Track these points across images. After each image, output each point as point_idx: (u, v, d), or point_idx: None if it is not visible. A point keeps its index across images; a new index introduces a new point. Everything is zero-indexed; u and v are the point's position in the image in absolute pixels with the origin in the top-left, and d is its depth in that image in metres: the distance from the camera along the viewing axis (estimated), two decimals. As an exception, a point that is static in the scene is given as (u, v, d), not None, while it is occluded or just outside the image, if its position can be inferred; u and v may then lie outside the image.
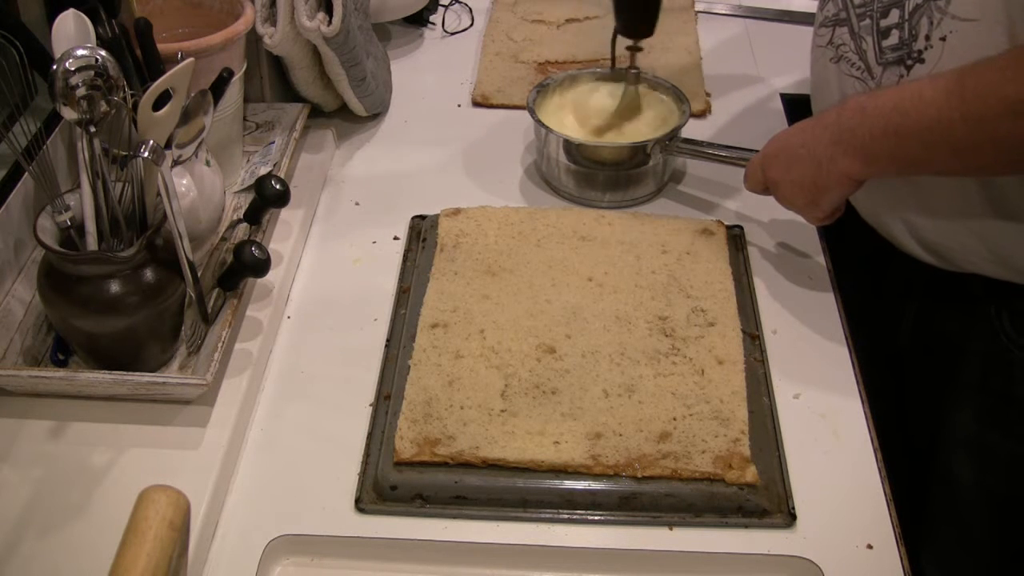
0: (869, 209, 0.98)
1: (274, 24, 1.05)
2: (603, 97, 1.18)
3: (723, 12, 1.49)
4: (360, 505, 0.79)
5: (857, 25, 0.91)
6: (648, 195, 1.12)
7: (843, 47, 0.93)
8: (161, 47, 0.94)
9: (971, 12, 0.80)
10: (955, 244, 0.91)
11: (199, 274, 0.88)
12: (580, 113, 1.16)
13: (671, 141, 1.08)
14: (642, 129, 1.14)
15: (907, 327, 1.04)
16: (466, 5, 1.51)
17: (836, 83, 0.95)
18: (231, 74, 0.95)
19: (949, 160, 0.80)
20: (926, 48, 0.84)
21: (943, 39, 0.82)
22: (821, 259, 1.03)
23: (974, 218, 0.88)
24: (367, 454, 0.83)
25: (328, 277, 1.02)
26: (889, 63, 0.88)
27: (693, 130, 1.10)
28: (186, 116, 0.85)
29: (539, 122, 1.10)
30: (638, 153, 1.08)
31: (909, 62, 0.86)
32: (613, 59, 1.17)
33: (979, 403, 0.96)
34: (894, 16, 0.87)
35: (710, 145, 1.09)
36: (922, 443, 1.03)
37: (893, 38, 0.87)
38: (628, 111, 1.16)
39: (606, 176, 1.10)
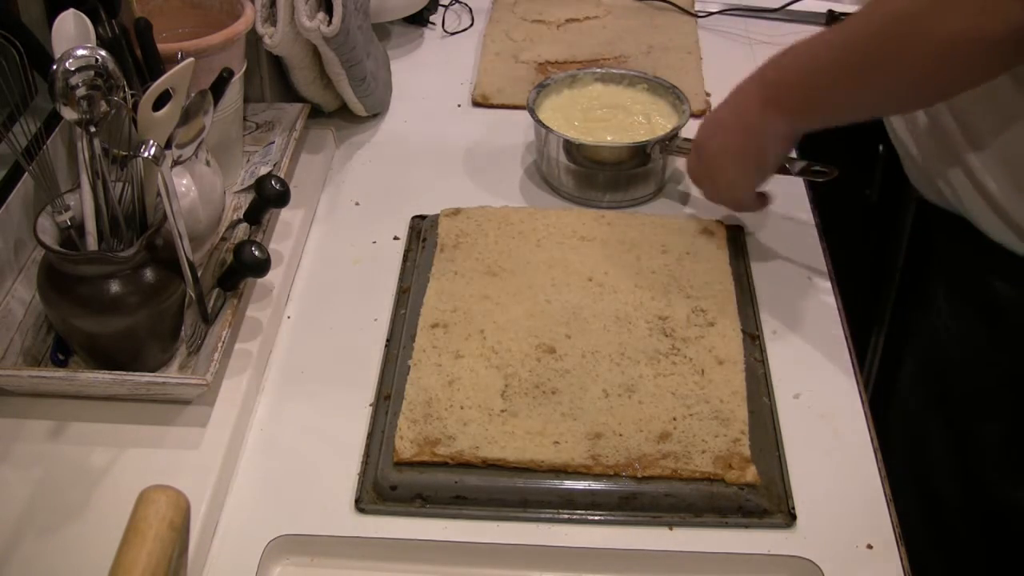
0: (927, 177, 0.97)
1: (274, 24, 1.05)
2: (604, 97, 1.18)
3: (723, 11, 1.49)
4: (360, 505, 0.79)
5: None
6: (649, 195, 1.12)
7: None
8: (161, 47, 0.93)
9: None
10: None
11: (199, 274, 0.88)
12: (580, 113, 1.16)
13: (671, 141, 1.08)
14: (642, 129, 1.14)
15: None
16: (466, 5, 1.51)
17: None
18: (231, 74, 0.95)
19: (861, 91, 0.83)
20: None
21: None
22: (821, 259, 1.03)
23: None
24: (367, 454, 0.83)
25: (328, 277, 1.02)
26: None
27: (693, 130, 1.10)
28: (186, 116, 0.85)
29: (539, 122, 1.10)
30: (638, 153, 1.08)
31: None
32: None
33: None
34: None
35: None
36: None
37: None
38: (628, 111, 1.16)
39: (606, 176, 1.10)
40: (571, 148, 1.09)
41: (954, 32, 0.74)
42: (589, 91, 1.18)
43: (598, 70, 1.20)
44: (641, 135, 1.11)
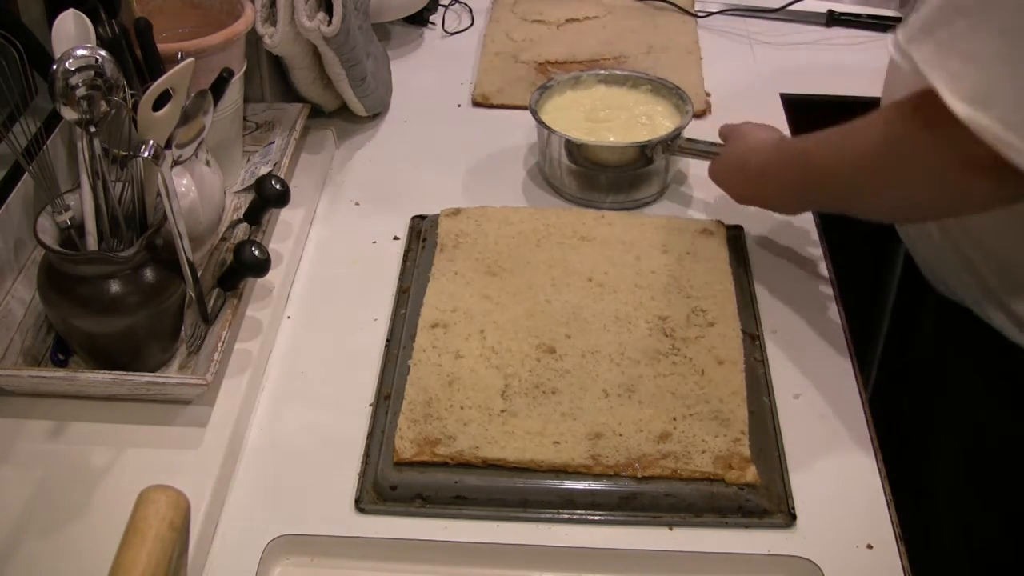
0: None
1: (274, 24, 1.05)
2: (607, 98, 1.17)
3: (723, 11, 1.49)
4: (360, 505, 0.79)
5: None
6: (652, 196, 1.12)
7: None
8: (161, 47, 0.94)
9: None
10: None
11: (199, 274, 0.88)
12: (583, 114, 1.16)
13: (674, 141, 1.08)
14: (645, 130, 1.13)
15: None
16: (466, 5, 1.51)
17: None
18: (231, 74, 0.95)
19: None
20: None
21: None
22: (821, 259, 1.03)
23: None
24: (367, 454, 0.83)
25: (328, 277, 1.02)
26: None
27: (693, 130, 1.10)
28: (186, 116, 0.85)
29: (541, 123, 1.10)
30: (641, 154, 1.08)
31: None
32: None
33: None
34: None
35: (712, 144, 1.08)
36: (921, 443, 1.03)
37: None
38: (631, 112, 1.16)
39: (609, 178, 1.10)
40: (573, 149, 1.09)
41: (916, 195, 0.76)
42: (592, 93, 1.18)
43: (601, 71, 1.20)
44: (644, 136, 1.11)
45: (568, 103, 1.17)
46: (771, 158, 0.93)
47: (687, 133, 1.09)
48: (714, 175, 1.02)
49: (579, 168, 1.10)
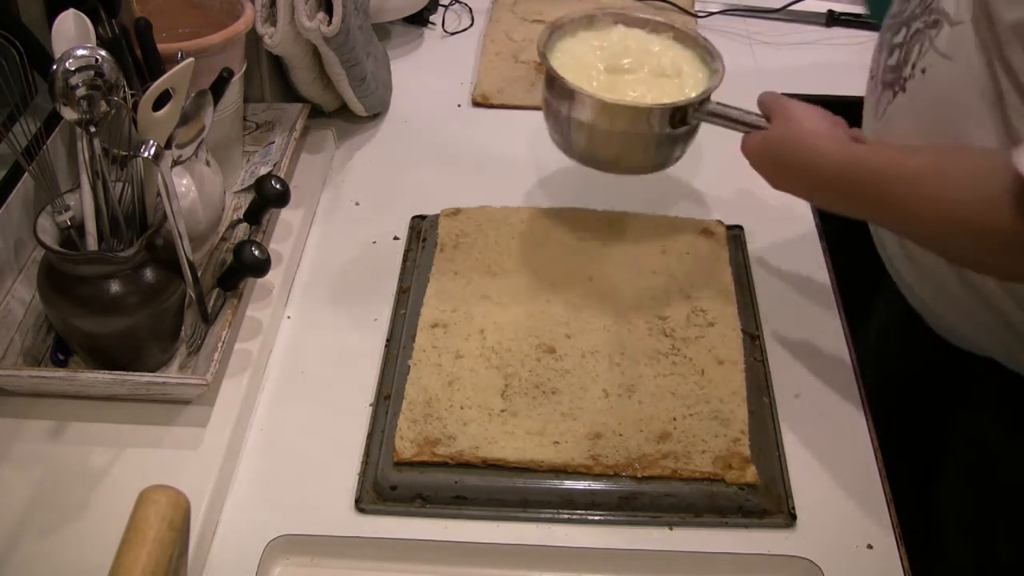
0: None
1: (274, 24, 1.05)
2: (627, 41, 1.01)
3: (723, 11, 1.49)
4: (360, 505, 0.79)
5: (883, 35, 0.90)
6: (662, 164, 0.99)
7: (874, 55, 0.92)
8: (161, 47, 0.93)
9: (948, 49, 0.78)
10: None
11: (199, 274, 0.88)
12: (601, 62, 0.99)
13: (702, 105, 0.94)
14: (670, 85, 0.98)
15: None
16: (466, 5, 1.51)
17: (865, 90, 0.93)
18: (231, 74, 0.95)
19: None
20: (910, 77, 0.82)
21: (923, 71, 0.81)
22: (821, 259, 1.03)
23: None
24: (367, 454, 0.83)
25: (328, 277, 1.02)
26: (887, 84, 0.86)
27: (722, 95, 1.05)
28: (186, 116, 0.85)
29: (557, 76, 0.93)
30: (670, 117, 0.93)
31: (896, 88, 0.84)
32: None
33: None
34: (901, 35, 0.85)
35: (751, 115, 0.92)
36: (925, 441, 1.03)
37: (894, 58, 0.85)
38: (658, 61, 1.00)
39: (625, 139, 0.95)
40: (590, 106, 0.93)
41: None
42: (610, 34, 1.02)
43: (618, 10, 1.04)
44: (671, 92, 0.95)
45: (582, 47, 1.00)
46: (834, 164, 0.82)
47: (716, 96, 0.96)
48: (752, 153, 0.90)
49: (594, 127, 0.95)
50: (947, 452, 1.00)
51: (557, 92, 0.95)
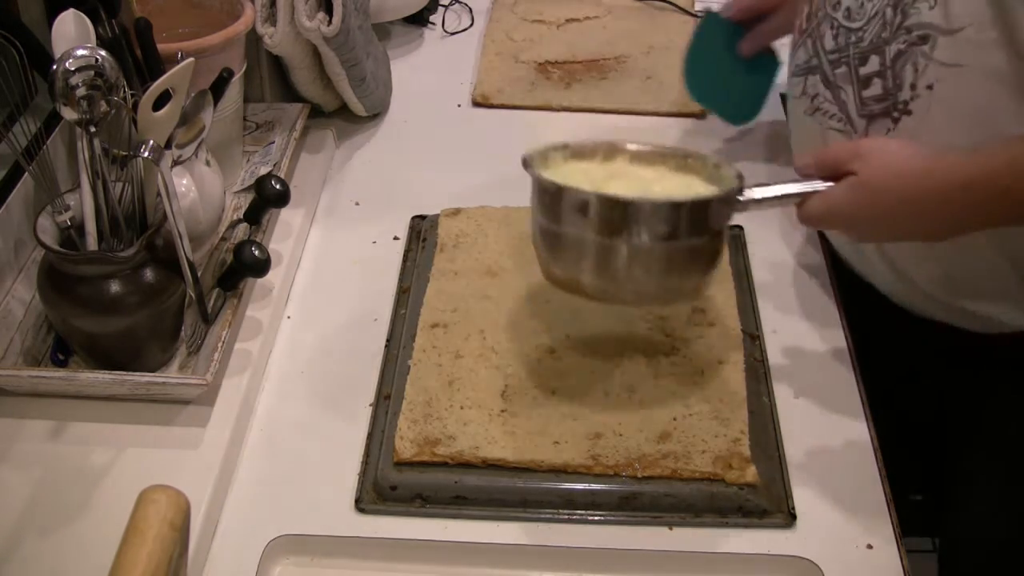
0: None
1: (274, 24, 1.05)
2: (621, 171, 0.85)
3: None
4: (360, 505, 0.79)
5: (832, 73, 0.86)
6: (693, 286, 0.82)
7: (818, 98, 0.88)
8: (161, 47, 0.94)
9: (955, 58, 0.77)
10: None
11: (199, 274, 0.88)
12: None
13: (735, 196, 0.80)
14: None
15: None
16: (466, 5, 1.51)
17: (820, 137, 0.89)
18: (231, 74, 0.95)
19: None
20: (912, 98, 0.81)
21: (930, 87, 0.79)
22: (821, 259, 1.03)
23: None
24: (367, 454, 0.83)
25: (328, 277, 1.02)
26: (874, 115, 0.84)
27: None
28: (186, 116, 0.85)
29: (539, 177, 0.77)
30: (693, 216, 0.77)
31: (896, 114, 0.82)
32: None
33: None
34: (874, 63, 0.82)
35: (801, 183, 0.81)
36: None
37: (875, 88, 0.83)
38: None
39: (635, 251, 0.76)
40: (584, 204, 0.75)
41: None
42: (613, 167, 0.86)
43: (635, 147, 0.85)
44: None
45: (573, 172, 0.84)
46: (966, 197, 0.73)
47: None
48: (829, 211, 0.79)
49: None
50: (974, 429, 0.98)
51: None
